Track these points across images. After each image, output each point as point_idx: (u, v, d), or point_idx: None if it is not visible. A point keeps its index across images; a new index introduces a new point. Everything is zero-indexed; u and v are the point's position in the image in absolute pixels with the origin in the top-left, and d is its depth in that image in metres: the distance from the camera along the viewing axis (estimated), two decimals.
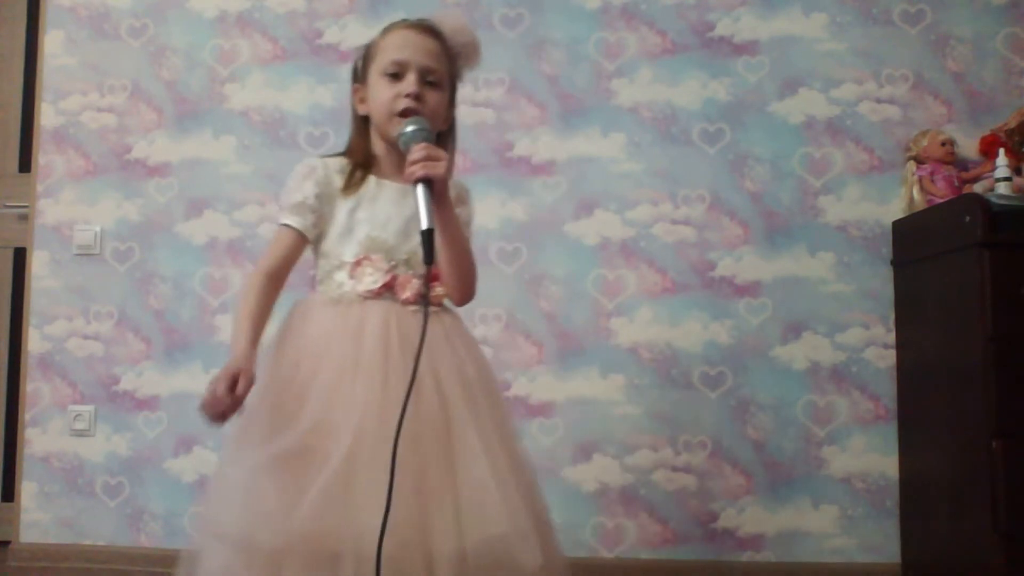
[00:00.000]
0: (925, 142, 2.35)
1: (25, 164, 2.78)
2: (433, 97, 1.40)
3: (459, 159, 2.44)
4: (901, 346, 2.34)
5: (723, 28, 2.48)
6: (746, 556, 2.33)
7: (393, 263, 1.37)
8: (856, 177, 2.43)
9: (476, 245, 2.51)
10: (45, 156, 2.56)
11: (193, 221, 2.52)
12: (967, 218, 2.00)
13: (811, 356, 2.38)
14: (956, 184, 2.30)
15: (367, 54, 1.46)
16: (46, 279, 2.53)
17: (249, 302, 1.32)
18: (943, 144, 2.34)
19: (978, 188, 2.27)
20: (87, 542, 2.44)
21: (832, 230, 2.41)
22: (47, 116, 2.57)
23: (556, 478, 2.36)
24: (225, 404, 1.17)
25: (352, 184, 1.41)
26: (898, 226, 2.36)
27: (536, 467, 2.33)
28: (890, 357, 2.36)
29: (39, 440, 2.48)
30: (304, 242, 1.40)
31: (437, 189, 1.29)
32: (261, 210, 2.49)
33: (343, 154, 1.47)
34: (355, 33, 2.51)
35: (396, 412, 1.14)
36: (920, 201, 2.30)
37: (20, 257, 2.76)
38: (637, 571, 2.33)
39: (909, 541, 2.27)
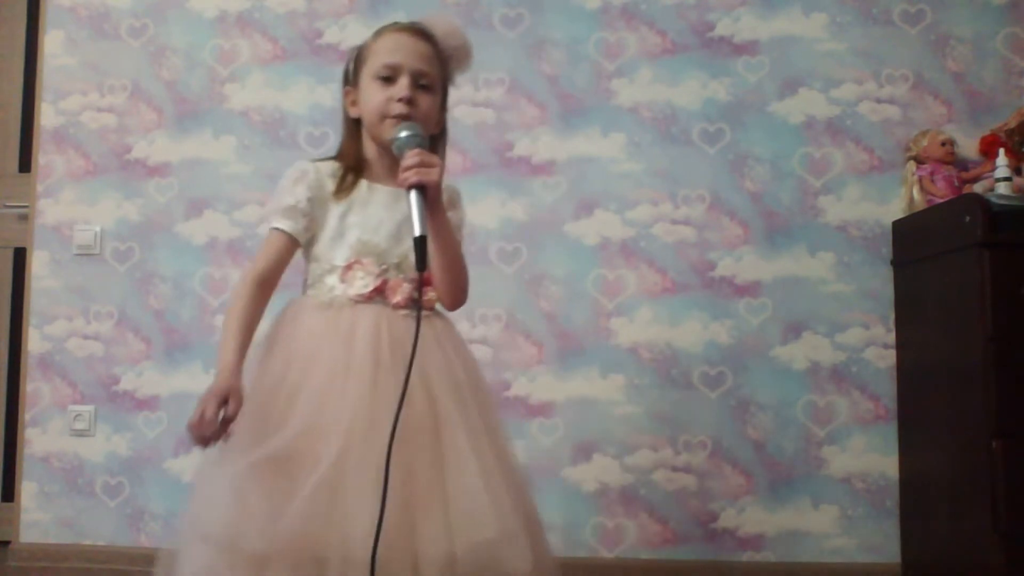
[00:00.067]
0: (925, 142, 2.35)
1: (25, 164, 2.78)
2: (425, 101, 1.39)
3: (459, 159, 2.45)
4: (901, 346, 2.34)
5: (723, 28, 2.48)
6: (746, 556, 2.33)
7: (384, 267, 1.37)
8: (856, 177, 2.43)
9: (476, 245, 2.51)
10: (45, 156, 2.56)
11: (193, 221, 2.52)
12: (967, 218, 2.00)
13: (811, 356, 2.38)
14: (956, 184, 2.30)
15: (359, 57, 1.45)
16: (46, 279, 2.53)
17: (237, 311, 1.31)
18: (943, 144, 2.34)
19: (978, 188, 2.27)
20: (87, 542, 2.44)
21: (832, 230, 2.41)
22: (47, 116, 2.57)
23: (556, 478, 2.36)
24: (212, 428, 1.17)
25: (344, 188, 1.40)
26: (898, 226, 2.36)
27: (536, 467, 2.37)
28: (890, 357, 2.36)
29: (39, 440, 2.48)
30: (295, 246, 1.39)
31: (431, 195, 1.29)
32: (261, 210, 2.48)
33: (334, 158, 1.46)
34: (355, 33, 2.50)
35: (386, 416, 1.14)
36: (920, 201, 2.30)
37: (20, 257, 2.76)
38: (637, 571, 2.32)
39: (909, 541, 2.27)
